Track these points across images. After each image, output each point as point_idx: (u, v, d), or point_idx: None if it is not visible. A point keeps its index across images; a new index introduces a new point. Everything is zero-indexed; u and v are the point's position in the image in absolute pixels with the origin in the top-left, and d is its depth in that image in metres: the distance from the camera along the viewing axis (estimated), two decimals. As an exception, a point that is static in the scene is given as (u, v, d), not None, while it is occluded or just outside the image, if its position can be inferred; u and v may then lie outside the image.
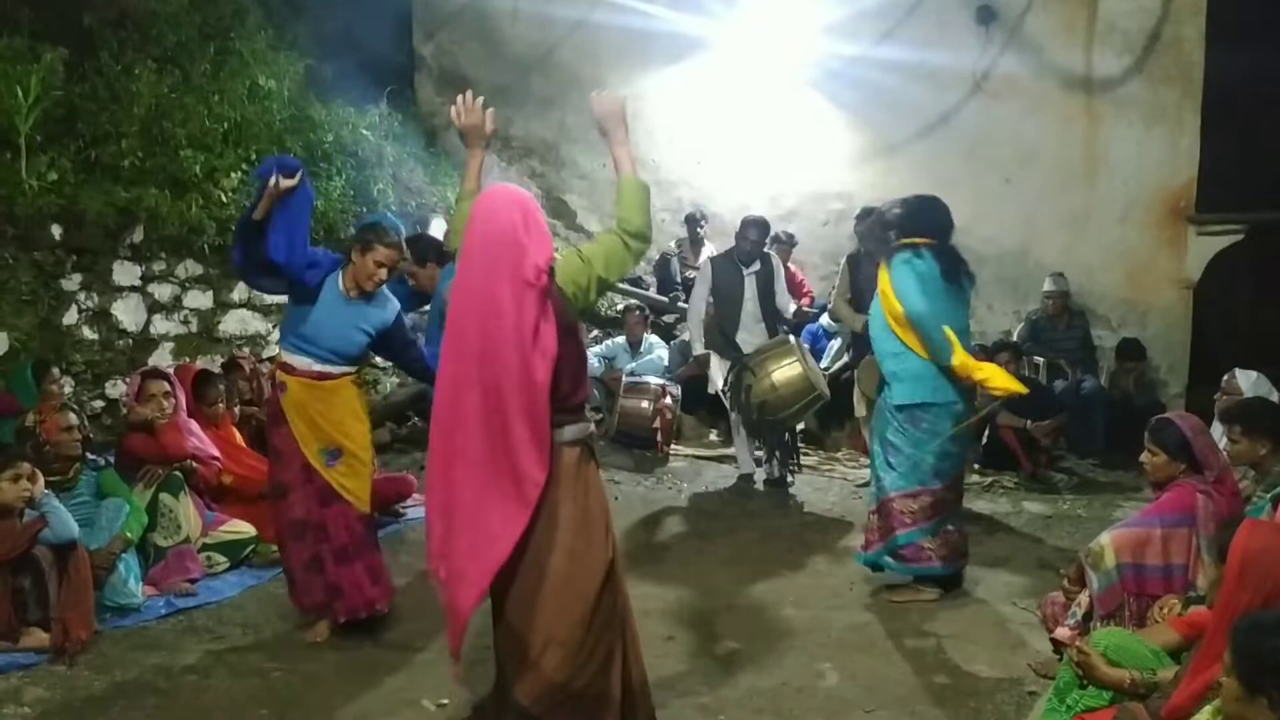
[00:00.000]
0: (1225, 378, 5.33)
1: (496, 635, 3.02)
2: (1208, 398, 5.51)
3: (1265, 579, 2.44)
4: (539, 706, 2.90)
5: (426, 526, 2.92)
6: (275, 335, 6.94)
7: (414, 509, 6.04)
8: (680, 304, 8.75)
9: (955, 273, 4.69)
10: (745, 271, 6.80)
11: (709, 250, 8.97)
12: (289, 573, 4.28)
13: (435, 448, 2.85)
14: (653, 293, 9.16)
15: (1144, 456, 3.92)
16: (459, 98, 3.23)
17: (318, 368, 4.12)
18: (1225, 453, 4.03)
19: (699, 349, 7.00)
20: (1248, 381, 5.11)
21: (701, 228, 9.02)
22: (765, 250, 7.01)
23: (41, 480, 4.07)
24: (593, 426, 3.14)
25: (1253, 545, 2.51)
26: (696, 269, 8.97)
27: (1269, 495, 3.68)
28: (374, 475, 6.10)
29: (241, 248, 4.09)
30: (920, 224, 4.74)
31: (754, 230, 6.86)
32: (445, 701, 3.66)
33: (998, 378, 4.59)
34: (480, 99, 3.25)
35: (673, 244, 9.18)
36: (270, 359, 6.64)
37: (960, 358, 4.51)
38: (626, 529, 5.95)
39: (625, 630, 3.07)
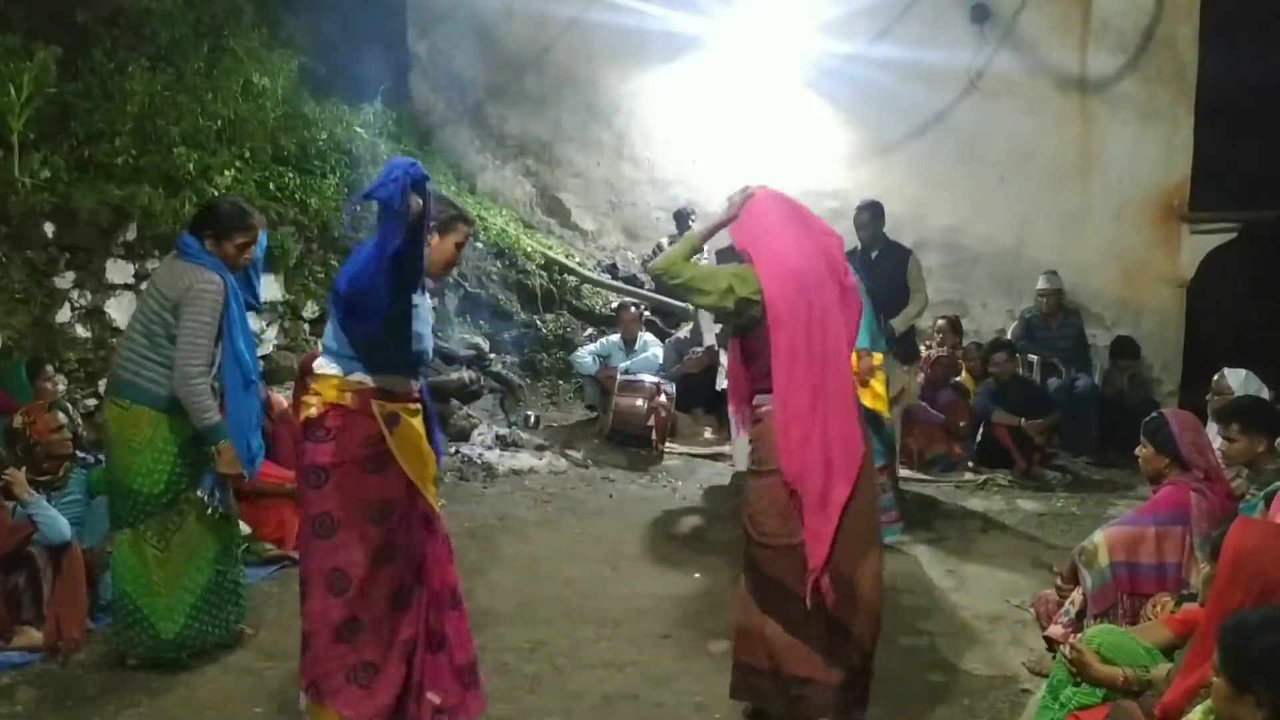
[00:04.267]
0: (1215, 377, 5.34)
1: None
2: (1201, 396, 5.52)
3: (1257, 577, 2.44)
4: (874, 642, 3.34)
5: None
6: (270, 333, 6.93)
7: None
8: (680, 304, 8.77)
9: None
10: None
11: (705, 247, 8.96)
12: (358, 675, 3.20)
13: (778, 411, 3.23)
14: (647, 290, 9.17)
15: (1138, 449, 4.01)
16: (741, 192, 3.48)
17: (417, 386, 3.33)
18: (1221, 452, 4.05)
19: (710, 339, 7.00)
20: (1237, 380, 5.12)
21: (692, 222, 9.01)
22: None
23: (24, 481, 4.06)
24: None
25: (1245, 544, 2.51)
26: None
27: (1262, 494, 3.69)
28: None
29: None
30: None
31: None
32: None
33: None
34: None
35: (665, 240, 9.18)
36: (263, 358, 6.63)
37: None
38: (621, 528, 5.96)
39: None
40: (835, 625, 3.24)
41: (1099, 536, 3.88)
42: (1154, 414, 4.09)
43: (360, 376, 3.16)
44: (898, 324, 6.26)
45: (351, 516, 3.13)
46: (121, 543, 3.90)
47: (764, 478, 3.32)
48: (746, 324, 3.36)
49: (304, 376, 5.79)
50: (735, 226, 3.44)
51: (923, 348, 7.56)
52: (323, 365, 3.21)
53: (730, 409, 3.75)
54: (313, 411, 3.14)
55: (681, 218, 9.02)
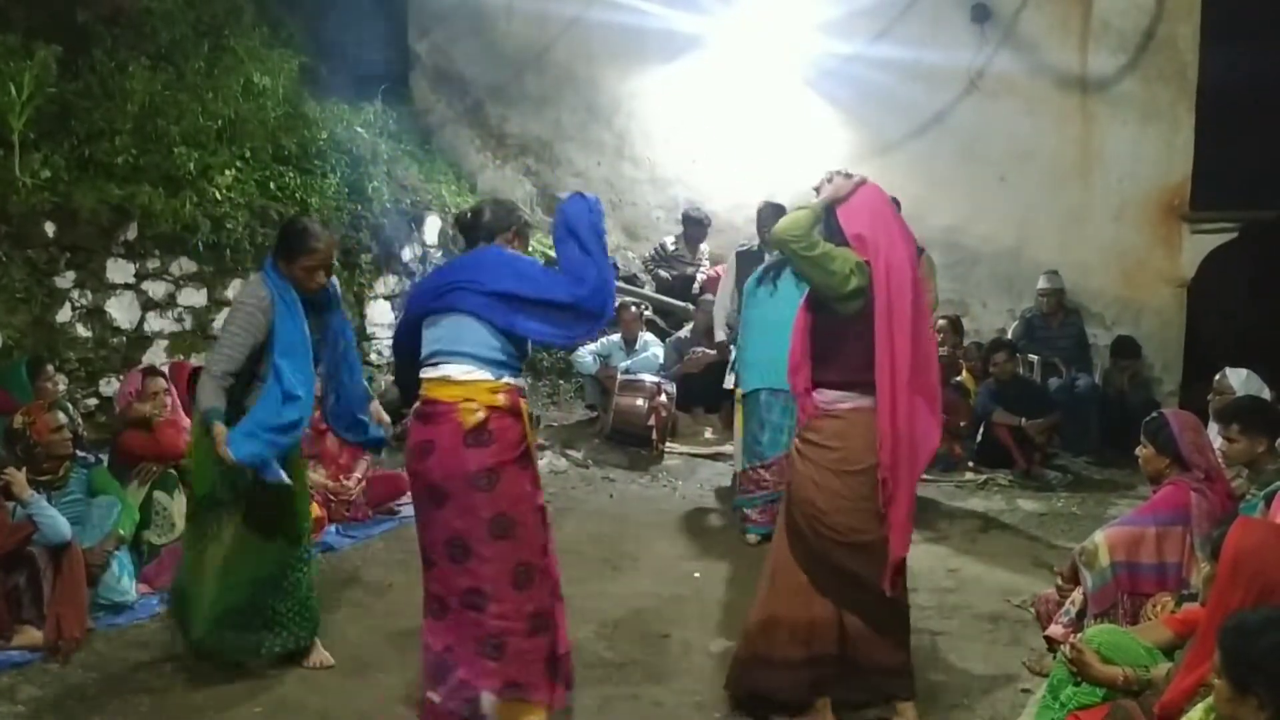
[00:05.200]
0: (1216, 377, 5.34)
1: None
2: (1202, 396, 5.52)
3: (1257, 577, 2.44)
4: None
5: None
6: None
7: (408, 506, 6.02)
8: (681, 304, 8.77)
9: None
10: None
11: (705, 248, 8.96)
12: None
13: (886, 409, 3.26)
14: (648, 290, 9.17)
15: (1138, 449, 4.01)
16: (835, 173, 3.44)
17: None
18: (1221, 452, 4.05)
19: (721, 336, 7.00)
20: (1238, 380, 5.12)
21: (704, 224, 8.97)
22: None
23: (24, 481, 4.06)
24: None
25: (1245, 543, 2.51)
26: (695, 265, 8.99)
27: (1262, 494, 3.69)
28: (369, 474, 6.16)
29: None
30: None
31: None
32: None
33: None
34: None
35: (669, 240, 9.17)
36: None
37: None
38: (621, 527, 5.96)
39: None
40: (898, 608, 3.47)
41: (1099, 536, 3.88)
42: (1154, 414, 4.09)
43: (509, 379, 3.27)
44: None
45: (522, 513, 3.25)
46: (185, 533, 4.10)
47: (854, 477, 3.32)
48: (842, 313, 3.29)
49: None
50: (845, 209, 3.33)
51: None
52: (469, 371, 3.23)
53: (792, 381, 3.58)
54: (480, 416, 3.18)
55: (691, 221, 8.96)
